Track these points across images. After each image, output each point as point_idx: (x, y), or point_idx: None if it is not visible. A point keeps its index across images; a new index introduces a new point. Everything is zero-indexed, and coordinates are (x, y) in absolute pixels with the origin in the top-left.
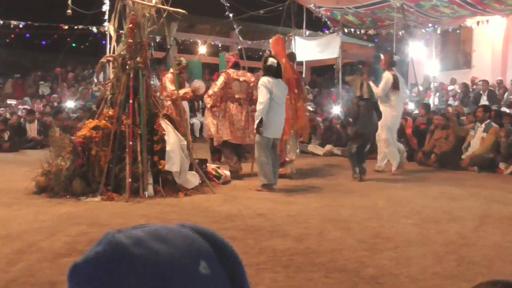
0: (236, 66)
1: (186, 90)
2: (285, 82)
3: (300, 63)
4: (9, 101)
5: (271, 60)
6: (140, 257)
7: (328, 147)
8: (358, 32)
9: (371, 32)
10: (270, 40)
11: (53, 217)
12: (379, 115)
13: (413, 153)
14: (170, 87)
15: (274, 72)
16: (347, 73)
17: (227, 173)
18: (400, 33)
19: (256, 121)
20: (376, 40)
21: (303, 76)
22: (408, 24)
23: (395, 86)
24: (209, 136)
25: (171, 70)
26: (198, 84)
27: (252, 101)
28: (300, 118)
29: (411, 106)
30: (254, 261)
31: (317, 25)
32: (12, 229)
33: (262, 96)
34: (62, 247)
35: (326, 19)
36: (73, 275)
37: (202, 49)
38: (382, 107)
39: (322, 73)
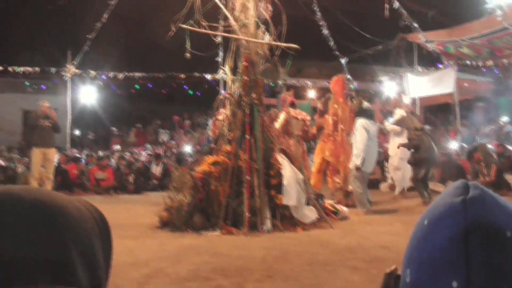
0: (292, 105)
1: None
2: (344, 121)
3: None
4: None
5: (366, 104)
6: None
7: (450, 183)
8: (474, 65)
9: (489, 63)
10: (331, 80)
11: (176, 248)
12: (436, 142)
13: None
14: None
15: (369, 114)
16: (464, 110)
17: (345, 209)
18: None
19: (360, 160)
20: (496, 71)
21: (417, 114)
22: None
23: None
24: None
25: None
26: None
27: (306, 138)
28: None
29: None
30: None
31: (429, 61)
32: (139, 257)
33: (361, 136)
34: (187, 274)
35: (439, 54)
36: (471, 207)
37: (311, 93)
38: (396, 139)
39: (436, 111)
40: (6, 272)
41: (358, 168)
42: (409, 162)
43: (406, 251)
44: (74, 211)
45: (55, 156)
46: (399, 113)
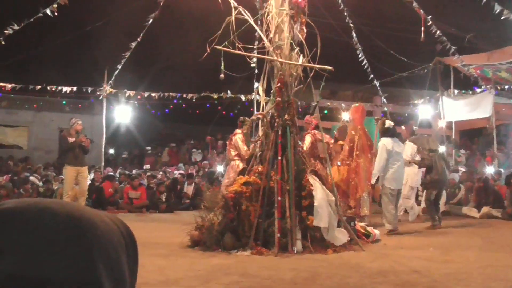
0: (317, 127)
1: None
2: (361, 147)
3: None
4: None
5: (388, 123)
6: None
7: (485, 209)
8: None
9: None
10: (352, 106)
11: (206, 267)
12: (447, 165)
13: None
14: (244, 147)
15: (392, 133)
16: (501, 135)
17: (377, 232)
18: None
19: (374, 179)
20: None
21: (453, 137)
22: None
23: (418, 150)
24: None
25: (238, 130)
26: None
27: (330, 160)
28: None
29: None
30: None
31: (465, 84)
32: (170, 276)
33: (380, 155)
34: None
35: (476, 78)
36: None
37: (345, 115)
38: (406, 169)
39: (472, 136)
40: (34, 282)
41: (373, 187)
42: (422, 183)
43: None
44: (101, 225)
45: (87, 174)
46: (409, 144)
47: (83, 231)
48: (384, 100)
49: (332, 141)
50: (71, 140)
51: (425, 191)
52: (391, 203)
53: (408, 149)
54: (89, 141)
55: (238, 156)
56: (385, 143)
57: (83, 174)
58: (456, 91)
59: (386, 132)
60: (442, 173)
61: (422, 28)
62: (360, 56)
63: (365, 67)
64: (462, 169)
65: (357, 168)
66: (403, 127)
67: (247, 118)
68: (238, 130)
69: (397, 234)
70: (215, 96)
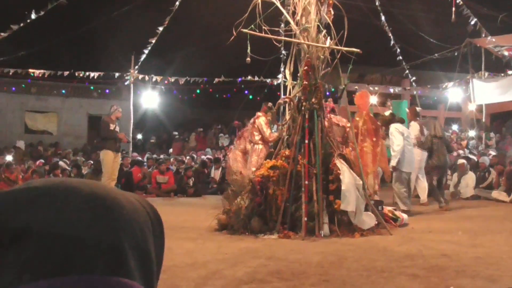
0: (332, 111)
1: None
2: (365, 132)
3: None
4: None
5: (389, 111)
6: None
7: None
8: None
9: None
10: (356, 94)
11: (233, 251)
12: (449, 150)
13: None
14: (267, 130)
15: (398, 119)
16: None
17: (404, 216)
18: None
19: (395, 160)
20: None
21: (483, 121)
22: None
23: (422, 132)
24: None
25: (260, 113)
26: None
27: (346, 144)
28: (376, 161)
29: None
30: None
31: (497, 66)
32: (197, 259)
33: (396, 139)
34: (243, 276)
35: (509, 59)
36: None
37: (373, 99)
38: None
39: (504, 118)
40: (60, 261)
41: (394, 168)
42: (425, 168)
43: None
44: (127, 205)
45: (120, 159)
46: (414, 126)
47: (109, 210)
48: (413, 83)
49: (349, 125)
50: (112, 126)
51: (426, 175)
52: (404, 186)
53: (412, 130)
54: (127, 140)
55: (262, 140)
56: (396, 126)
57: (117, 159)
58: (487, 73)
59: (391, 120)
60: (442, 159)
61: (453, 9)
62: (389, 38)
63: (394, 49)
64: (492, 152)
65: (361, 153)
66: (407, 109)
67: (269, 104)
68: (259, 113)
69: (425, 218)
70: (242, 80)
